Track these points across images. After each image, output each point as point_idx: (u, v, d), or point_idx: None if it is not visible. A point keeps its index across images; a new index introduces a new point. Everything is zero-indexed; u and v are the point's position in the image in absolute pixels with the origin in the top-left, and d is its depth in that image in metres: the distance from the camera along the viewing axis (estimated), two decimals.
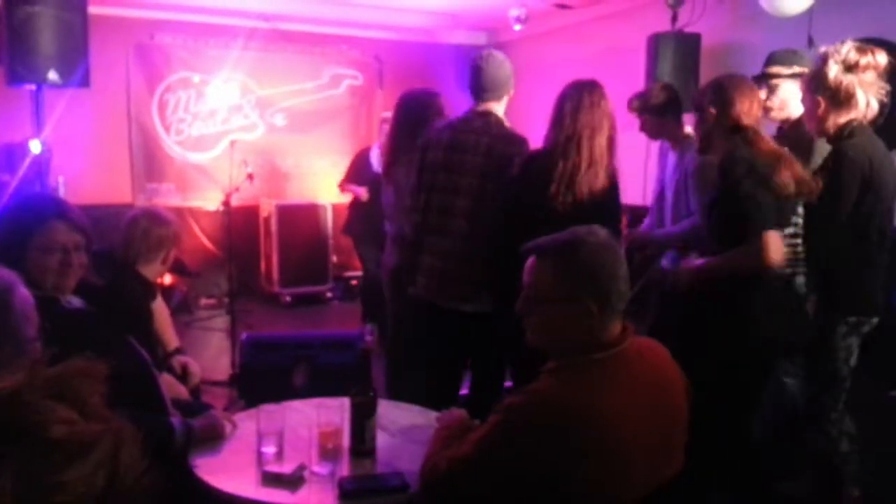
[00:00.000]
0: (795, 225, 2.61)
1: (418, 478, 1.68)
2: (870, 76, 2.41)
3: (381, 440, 1.95)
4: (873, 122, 2.48)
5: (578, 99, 2.64)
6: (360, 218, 5.04)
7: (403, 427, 2.09)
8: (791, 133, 2.94)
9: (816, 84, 2.45)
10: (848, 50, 2.41)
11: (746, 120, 2.42)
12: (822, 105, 2.44)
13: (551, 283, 1.53)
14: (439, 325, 2.89)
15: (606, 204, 2.61)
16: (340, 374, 3.17)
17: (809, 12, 4.06)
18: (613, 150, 2.66)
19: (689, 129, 3.28)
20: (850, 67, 2.39)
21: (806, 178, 2.34)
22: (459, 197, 2.80)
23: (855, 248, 2.44)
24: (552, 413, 1.43)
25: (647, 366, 1.57)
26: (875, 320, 2.50)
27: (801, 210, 2.55)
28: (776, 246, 2.27)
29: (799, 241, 2.65)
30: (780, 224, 2.34)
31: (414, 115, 3.31)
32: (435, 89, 3.54)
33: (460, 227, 2.80)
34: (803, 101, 2.61)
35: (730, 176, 2.31)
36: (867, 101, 2.42)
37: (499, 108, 2.87)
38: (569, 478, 1.42)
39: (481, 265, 2.75)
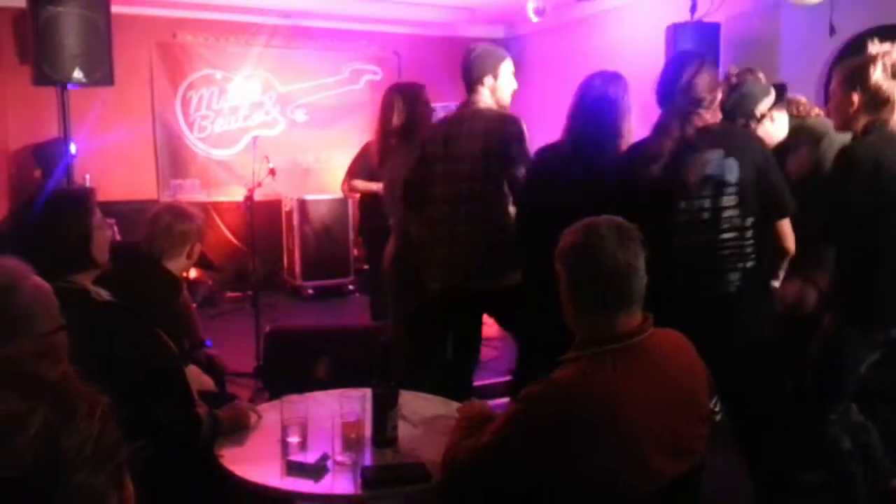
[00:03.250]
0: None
1: (440, 467, 1.72)
2: None
3: (403, 430, 1.98)
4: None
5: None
6: (371, 216, 4.74)
7: (425, 417, 2.13)
8: (783, 146, 2.93)
9: (855, 82, 2.38)
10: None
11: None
12: (856, 103, 2.38)
13: (569, 268, 1.60)
14: (462, 308, 2.97)
15: None
16: (362, 366, 3.21)
17: (830, 0, 4.02)
18: None
19: None
20: (894, 73, 2.33)
21: None
22: (465, 183, 2.87)
23: (867, 253, 2.37)
24: (570, 401, 1.47)
25: (666, 357, 1.59)
26: (894, 331, 2.40)
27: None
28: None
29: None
30: None
31: (410, 109, 3.39)
32: (420, 82, 3.57)
33: (472, 211, 2.87)
34: (833, 93, 2.51)
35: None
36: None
37: (485, 92, 2.93)
38: (585, 465, 1.45)
39: (500, 245, 2.81)
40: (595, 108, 2.69)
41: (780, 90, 3.02)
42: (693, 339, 1.70)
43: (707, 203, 2.38)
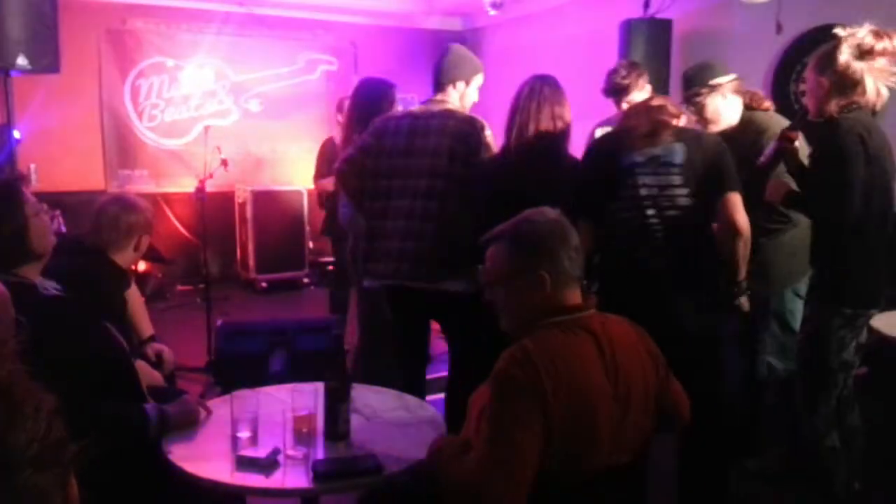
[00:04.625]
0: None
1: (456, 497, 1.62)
2: (881, 63, 2.34)
3: (356, 423, 1.98)
4: (874, 111, 2.40)
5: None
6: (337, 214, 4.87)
7: (377, 410, 2.12)
8: (733, 133, 2.98)
9: (823, 66, 2.40)
10: (864, 35, 2.34)
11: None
12: (826, 87, 2.40)
13: (506, 262, 1.67)
14: (410, 306, 2.93)
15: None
16: (317, 360, 3.20)
17: (778, 0, 4.12)
18: None
19: None
20: (863, 53, 2.33)
21: None
22: (425, 179, 2.83)
23: (853, 234, 2.35)
24: (528, 366, 1.50)
25: (610, 337, 1.62)
26: (874, 312, 2.44)
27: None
28: None
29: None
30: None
31: (370, 102, 3.37)
32: (391, 80, 3.56)
33: (429, 208, 2.82)
34: (807, 81, 2.53)
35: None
36: (876, 89, 2.36)
37: (455, 95, 2.95)
38: (551, 432, 1.47)
39: (459, 246, 2.78)
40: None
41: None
42: (634, 315, 1.75)
43: (650, 180, 2.45)
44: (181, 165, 6.70)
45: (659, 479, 2.19)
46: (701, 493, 2.55)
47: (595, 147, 2.83)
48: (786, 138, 2.56)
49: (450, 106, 2.92)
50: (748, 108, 3.03)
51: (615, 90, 3.61)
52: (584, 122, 3.96)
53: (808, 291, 2.62)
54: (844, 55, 2.35)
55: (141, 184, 6.56)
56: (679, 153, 2.45)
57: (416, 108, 3.01)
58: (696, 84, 2.97)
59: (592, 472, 1.54)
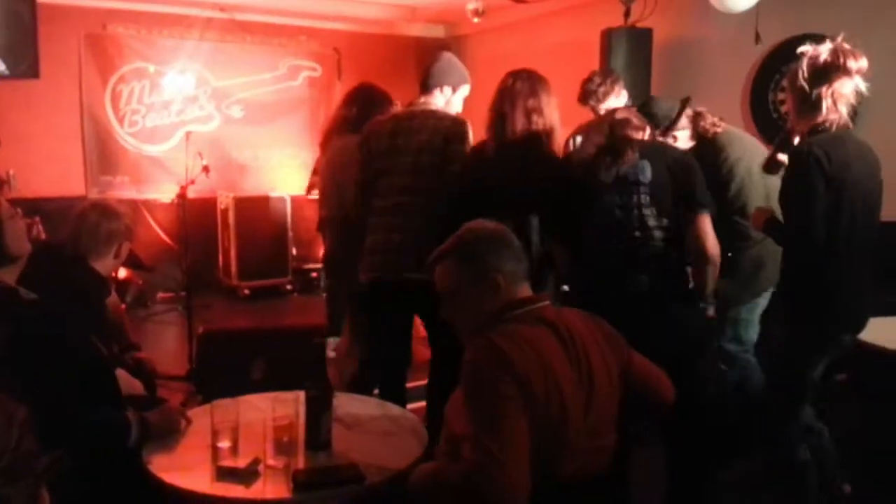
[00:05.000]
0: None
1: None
2: (841, 82, 2.28)
3: (337, 433, 1.98)
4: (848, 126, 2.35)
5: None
6: None
7: (360, 419, 2.12)
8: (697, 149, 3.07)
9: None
10: (823, 54, 2.30)
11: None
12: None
13: (457, 275, 1.73)
14: (396, 299, 2.96)
15: None
16: (300, 367, 3.18)
17: (756, 8, 4.17)
18: None
19: None
20: (819, 74, 2.29)
21: None
22: (410, 175, 2.89)
23: (820, 260, 2.31)
24: (495, 350, 1.54)
25: (567, 325, 1.65)
26: (846, 337, 2.41)
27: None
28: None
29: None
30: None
31: (368, 104, 3.42)
32: (385, 91, 3.62)
33: (415, 202, 2.88)
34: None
35: None
36: (836, 109, 2.30)
37: (441, 99, 3.00)
38: (534, 413, 1.49)
39: (445, 239, 2.82)
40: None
41: (684, 102, 3.16)
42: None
43: (618, 200, 2.44)
44: (162, 171, 6.65)
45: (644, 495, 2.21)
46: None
47: (562, 169, 2.76)
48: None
49: (433, 107, 2.98)
50: (701, 130, 3.13)
51: (588, 96, 3.67)
52: (568, 129, 3.99)
53: (784, 310, 2.59)
54: (802, 76, 2.33)
55: (122, 190, 6.49)
56: (646, 170, 2.45)
57: (400, 109, 3.07)
58: (662, 123, 3.02)
59: (570, 472, 1.54)
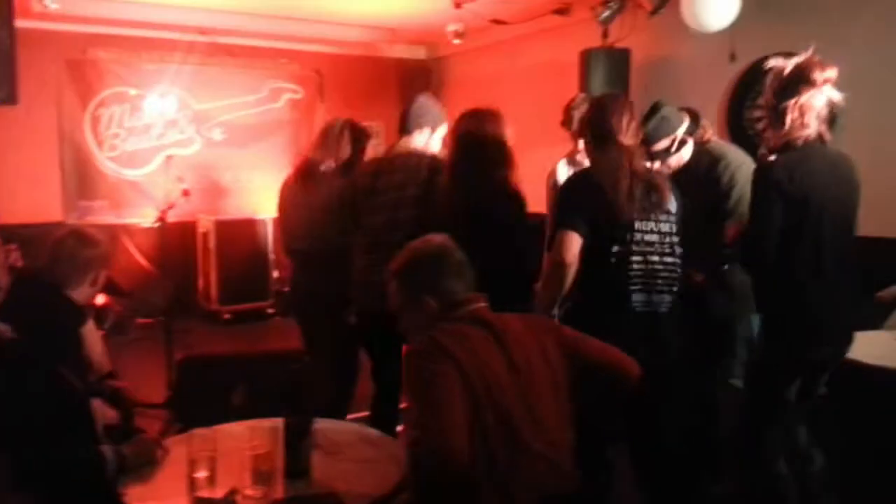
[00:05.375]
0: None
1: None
2: (811, 96, 2.27)
3: (317, 460, 1.95)
4: (822, 139, 2.33)
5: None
6: None
7: (339, 445, 2.10)
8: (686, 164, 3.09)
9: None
10: (789, 68, 2.31)
11: (621, 136, 2.46)
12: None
13: (398, 295, 1.89)
14: (383, 332, 2.97)
15: None
16: (281, 393, 3.14)
17: (731, 28, 4.24)
18: None
19: None
20: (785, 87, 2.30)
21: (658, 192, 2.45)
22: (389, 212, 3.00)
23: (786, 275, 2.31)
24: (434, 343, 1.68)
25: (504, 325, 1.76)
26: (822, 351, 2.40)
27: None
28: (568, 244, 2.38)
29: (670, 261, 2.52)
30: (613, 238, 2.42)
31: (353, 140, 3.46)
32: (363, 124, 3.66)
33: (392, 240, 2.86)
34: None
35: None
36: (804, 123, 2.28)
37: (421, 139, 3.09)
38: (471, 403, 1.59)
39: None
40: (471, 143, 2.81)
41: (695, 116, 3.17)
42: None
43: (654, 227, 2.46)
44: (142, 196, 6.61)
45: None
46: None
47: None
48: None
49: (413, 147, 3.08)
50: (697, 141, 3.12)
51: (572, 121, 3.66)
52: (548, 149, 4.02)
53: (761, 327, 2.60)
54: (768, 91, 2.35)
55: (100, 215, 6.44)
56: (673, 202, 2.49)
57: (384, 150, 3.16)
58: (659, 138, 3.00)
59: (530, 479, 1.60)
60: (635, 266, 2.42)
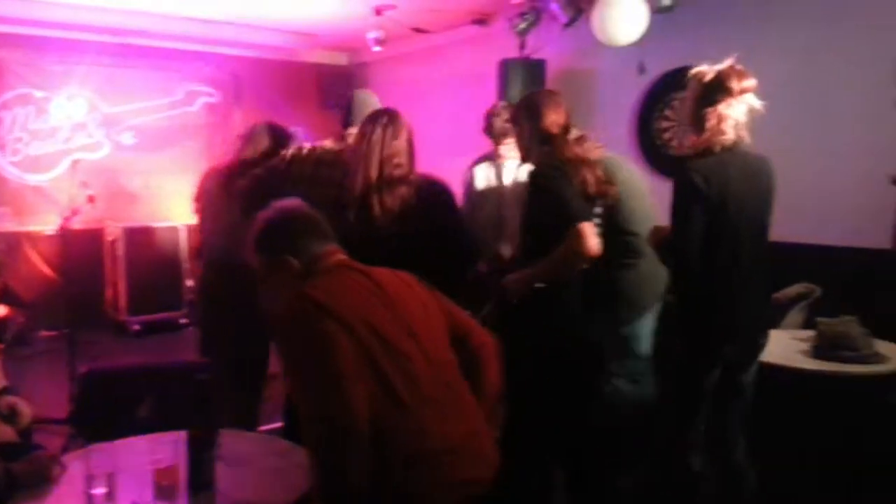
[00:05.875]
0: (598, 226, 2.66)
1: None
2: (728, 105, 2.35)
3: (222, 472, 1.90)
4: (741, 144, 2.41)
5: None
6: None
7: (245, 456, 2.05)
8: None
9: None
10: (709, 76, 2.39)
11: (555, 129, 2.67)
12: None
13: (259, 263, 1.85)
14: None
15: None
16: (188, 405, 3.05)
17: (640, 41, 4.39)
18: None
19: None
20: (705, 95, 2.38)
21: (604, 181, 2.63)
22: (331, 206, 2.87)
23: (703, 273, 2.39)
24: (304, 299, 1.64)
25: (379, 274, 1.79)
26: (735, 347, 2.47)
27: (598, 210, 2.68)
28: (591, 234, 2.49)
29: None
30: (587, 218, 2.54)
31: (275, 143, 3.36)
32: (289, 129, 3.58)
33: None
34: None
35: (539, 180, 2.58)
36: (721, 130, 2.36)
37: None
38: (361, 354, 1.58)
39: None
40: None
41: None
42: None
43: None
44: (46, 202, 6.31)
45: None
46: None
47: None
48: None
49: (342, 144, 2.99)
50: None
51: (499, 133, 3.70)
52: (466, 156, 4.05)
53: (677, 323, 2.65)
54: (690, 97, 2.44)
55: (1, 222, 6.12)
56: None
57: (327, 141, 3.07)
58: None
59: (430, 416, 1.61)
60: None
